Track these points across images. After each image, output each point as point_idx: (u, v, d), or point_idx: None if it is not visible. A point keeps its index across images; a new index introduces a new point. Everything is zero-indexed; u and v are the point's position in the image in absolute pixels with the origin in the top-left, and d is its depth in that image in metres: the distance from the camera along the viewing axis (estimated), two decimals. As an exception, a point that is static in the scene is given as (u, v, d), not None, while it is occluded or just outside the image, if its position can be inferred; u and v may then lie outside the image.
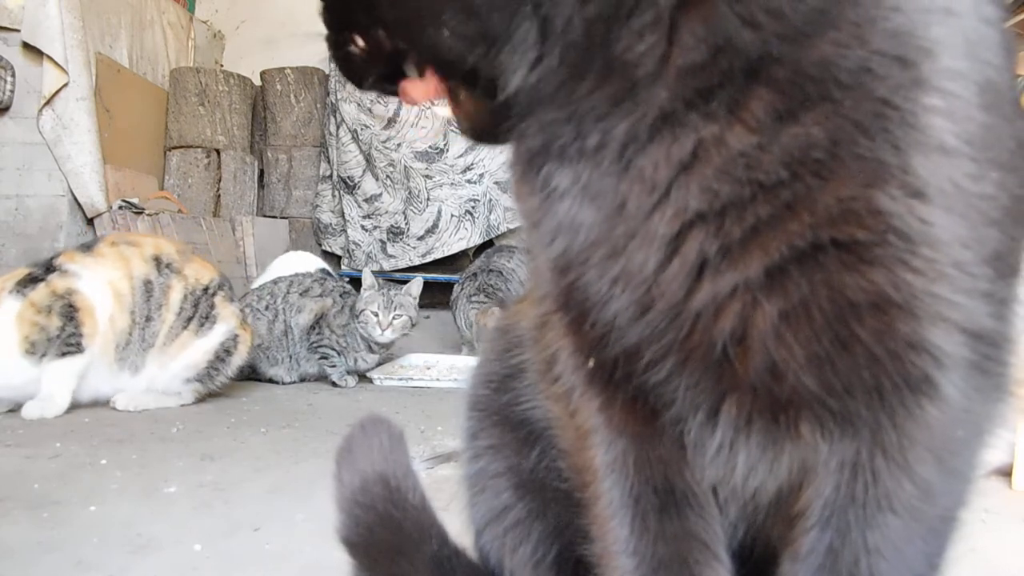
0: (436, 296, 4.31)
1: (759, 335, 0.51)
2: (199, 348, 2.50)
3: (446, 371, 3.25)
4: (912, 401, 0.53)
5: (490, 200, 4.52)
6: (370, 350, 3.11)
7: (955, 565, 0.61)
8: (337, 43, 0.59)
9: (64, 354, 2.26)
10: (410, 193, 4.61)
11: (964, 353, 0.52)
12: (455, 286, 3.87)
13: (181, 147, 4.65)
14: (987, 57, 0.50)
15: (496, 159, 4.38)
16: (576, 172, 0.53)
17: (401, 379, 3.16)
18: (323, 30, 0.60)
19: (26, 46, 3.65)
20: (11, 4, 3.66)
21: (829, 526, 0.57)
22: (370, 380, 3.13)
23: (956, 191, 0.49)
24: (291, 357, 3.11)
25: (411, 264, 4.59)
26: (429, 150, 4.55)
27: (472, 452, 0.83)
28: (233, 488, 1.58)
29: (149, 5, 4.59)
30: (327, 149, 4.85)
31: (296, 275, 3.30)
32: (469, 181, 4.54)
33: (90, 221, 3.83)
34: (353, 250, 4.71)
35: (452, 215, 4.55)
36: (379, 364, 3.21)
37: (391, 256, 4.64)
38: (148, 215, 3.87)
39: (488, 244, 4.51)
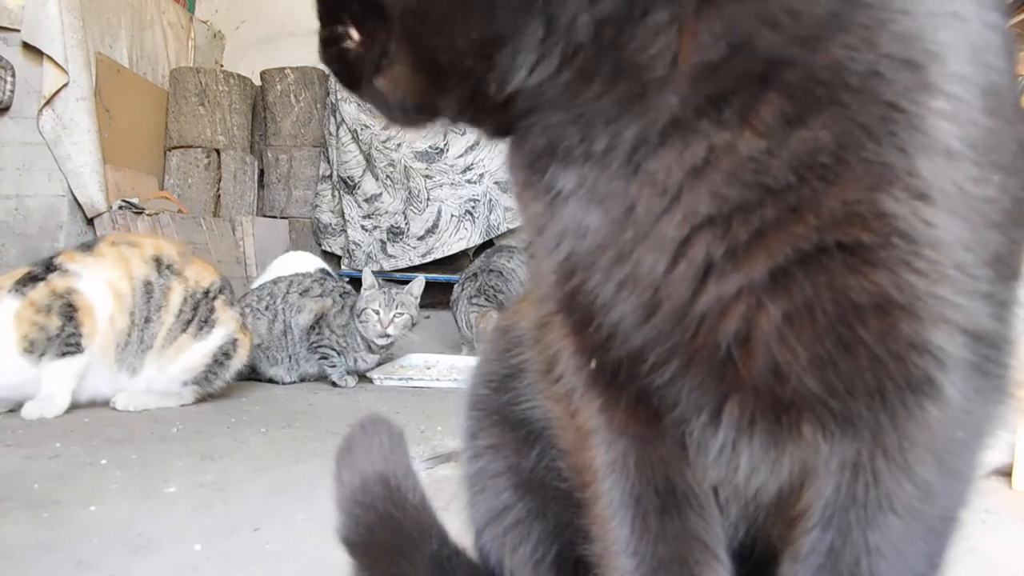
0: (436, 296, 4.31)
1: (763, 337, 0.51)
2: (197, 351, 2.49)
3: (446, 371, 3.25)
4: (913, 402, 0.53)
5: (490, 200, 4.53)
6: (370, 350, 3.11)
7: (955, 565, 0.61)
8: (330, 39, 0.58)
9: (64, 354, 2.26)
10: (410, 193, 4.61)
11: (965, 354, 0.52)
12: (455, 286, 3.87)
13: (181, 147, 4.65)
14: (991, 61, 0.51)
15: (496, 159, 4.38)
16: (582, 174, 0.53)
17: (401, 379, 3.16)
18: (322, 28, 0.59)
19: (26, 46, 3.66)
20: (11, 4, 3.66)
21: (830, 526, 0.57)
22: (370, 380, 3.13)
23: (960, 194, 0.49)
24: (291, 357, 3.11)
25: (411, 264, 4.60)
26: (429, 150, 4.56)
27: (472, 452, 0.83)
28: (233, 488, 1.58)
29: (149, 5, 4.59)
30: (327, 149, 4.85)
31: (296, 275, 3.30)
32: (469, 181, 4.54)
33: (90, 221, 3.83)
34: (353, 250, 4.71)
35: (452, 215, 4.56)
36: (379, 364, 3.21)
37: (391, 256, 4.64)
38: (148, 215, 3.87)
39: (488, 244, 4.52)
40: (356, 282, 3.41)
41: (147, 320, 2.42)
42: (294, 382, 3.13)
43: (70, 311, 2.28)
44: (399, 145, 4.58)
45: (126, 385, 2.42)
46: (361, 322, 3.05)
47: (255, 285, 3.50)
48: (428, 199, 4.58)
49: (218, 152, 4.70)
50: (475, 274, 3.80)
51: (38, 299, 2.26)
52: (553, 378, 0.67)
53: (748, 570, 0.68)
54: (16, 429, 2.08)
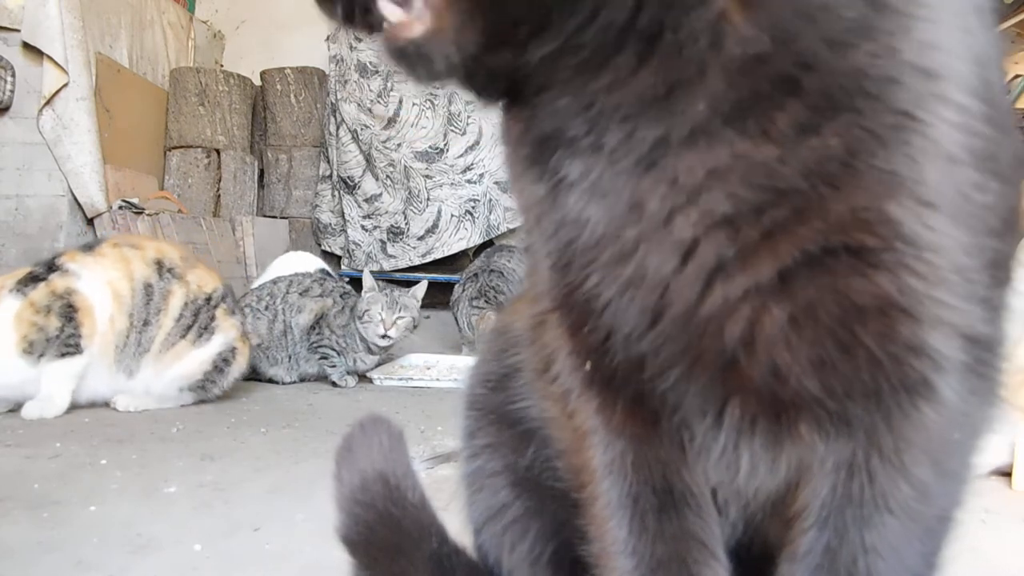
0: (436, 296, 4.31)
1: (766, 338, 0.52)
2: (195, 358, 2.48)
3: (446, 371, 3.25)
4: (909, 403, 0.53)
5: (490, 200, 4.53)
6: (369, 351, 3.11)
7: (955, 565, 0.61)
8: None
9: (63, 355, 2.26)
10: (410, 193, 4.61)
11: (961, 357, 0.53)
12: (456, 287, 3.87)
13: (181, 147, 4.65)
14: (991, 74, 0.52)
15: (496, 159, 4.39)
16: (588, 165, 0.52)
17: (401, 379, 3.16)
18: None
19: (26, 46, 3.66)
20: (11, 4, 3.66)
21: (827, 526, 0.57)
22: (370, 380, 3.13)
23: (962, 201, 0.50)
24: (291, 357, 3.11)
25: (411, 264, 4.60)
26: (429, 150, 4.56)
27: (470, 451, 0.83)
28: (233, 488, 1.58)
29: (149, 5, 4.59)
30: (327, 149, 4.85)
31: (296, 275, 3.30)
32: (469, 181, 4.55)
33: (90, 221, 3.83)
34: (353, 250, 4.71)
35: (452, 215, 4.56)
36: (379, 364, 3.21)
37: (391, 256, 4.64)
38: (148, 215, 3.87)
39: (488, 244, 4.52)
40: (356, 282, 3.41)
41: (145, 323, 2.41)
42: (294, 382, 3.13)
43: (70, 312, 2.28)
44: (399, 145, 4.59)
45: (124, 387, 2.42)
46: (363, 323, 3.05)
47: (255, 285, 3.50)
48: (428, 199, 4.58)
49: (218, 152, 4.70)
50: (476, 274, 3.80)
51: (38, 299, 2.26)
52: (550, 378, 0.67)
53: (746, 570, 0.68)
54: (16, 429, 2.08)
